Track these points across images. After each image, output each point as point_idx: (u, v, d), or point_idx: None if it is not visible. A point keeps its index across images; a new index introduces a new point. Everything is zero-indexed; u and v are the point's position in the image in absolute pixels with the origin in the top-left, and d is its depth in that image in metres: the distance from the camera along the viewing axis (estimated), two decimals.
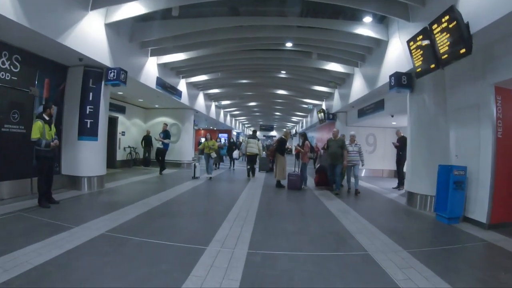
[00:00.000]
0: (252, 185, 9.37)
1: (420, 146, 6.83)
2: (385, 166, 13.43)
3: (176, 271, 2.99)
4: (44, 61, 6.85)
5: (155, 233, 4.14)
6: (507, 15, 3.93)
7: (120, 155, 13.05)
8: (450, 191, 5.51)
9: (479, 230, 4.88)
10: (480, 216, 5.19)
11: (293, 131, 32.05)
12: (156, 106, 14.29)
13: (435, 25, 5.28)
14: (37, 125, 5.37)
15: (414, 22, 6.55)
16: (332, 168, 8.47)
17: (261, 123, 35.11)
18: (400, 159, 9.69)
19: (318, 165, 9.93)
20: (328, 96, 15.39)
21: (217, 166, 14.25)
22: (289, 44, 9.18)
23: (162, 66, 10.39)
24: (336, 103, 13.94)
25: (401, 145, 9.64)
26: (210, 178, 10.33)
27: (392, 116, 9.87)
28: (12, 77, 6.02)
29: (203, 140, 13.03)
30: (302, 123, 27.52)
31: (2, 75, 5.79)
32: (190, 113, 14.87)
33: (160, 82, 10.16)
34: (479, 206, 5.28)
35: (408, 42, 6.21)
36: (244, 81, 13.95)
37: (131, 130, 13.90)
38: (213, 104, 18.74)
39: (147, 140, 13.56)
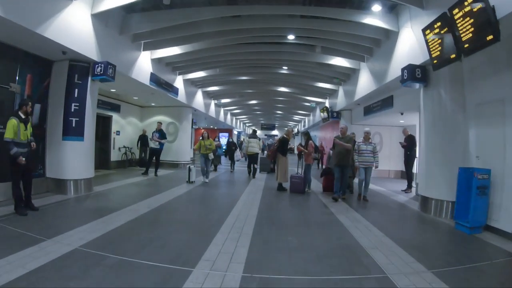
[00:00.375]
0: (252, 188, 8.74)
1: (435, 146, 6.21)
2: (391, 167, 12.81)
3: None
4: (25, 55, 6.30)
5: (136, 249, 3.55)
6: None
7: (115, 156, 12.48)
8: (472, 197, 4.92)
9: (505, 242, 4.31)
10: (505, 225, 4.60)
11: (295, 130, 31.37)
12: (153, 104, 13.71)
13: (456, 10, 4.66)
14: (11, 123, 4.80)
15: (428, 9, 5.94)
16: (339, 170, 7.33)
17: (262, 122, 34.47)
18: (408, 160, 9.10)
19: (325, 167, 9.02)
20: (331, 94, 14.77)
21: (215, 168, 13.40)
22: (291, 37, 8.57)
23: (157, 62, 9.80)
24: (340, 101, 13.32)
25: (408, 145, 9.05)
26: (206, 182, 9.33)
27: (402, 113, 9.25)
28: None
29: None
30: (304, 122, 26.90)
31: None
32: (188, 112, 14.28)
33: (154, 78, 9.58)
34: (504, 213, 4.69)
35: (424, 30, 5.60)
36: (244, 77, 13.33)
37: (126, 129, 13.33)
38: (213, 102, 18.16)
39: (143, 139, 12.95)
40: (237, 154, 13.45)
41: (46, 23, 5.45)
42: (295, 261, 3.38)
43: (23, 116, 5.05)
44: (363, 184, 7.33)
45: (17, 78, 6.10)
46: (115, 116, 12.40)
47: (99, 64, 6.84)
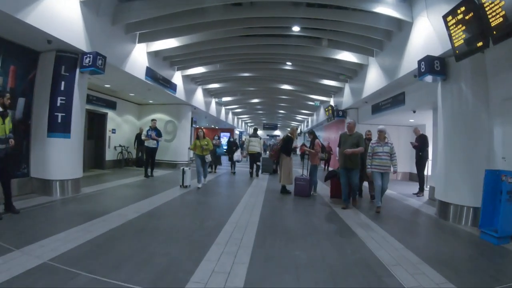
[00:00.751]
0: (253, 190, 8.13)
1: (455, 146, 5.63)
2: (399, 168, 12.12)
3: None
4: (8, 45, 5.80)
5: (114, 265, 3.00)
6: None
7: (110, 155, 11.95)
8: (502, 204, 4.36)
9: None
10: None
11: (298, 130, 30.75)
12: (150, 101, 13.17)
13: None
14: None
15: None
16: (345, 174, 6.34)
17: (264, 121, 33.85)
18: (420, 161, 8.49)
19: (331, 169, 8.18)
20: (337, 92, 14.17)
21: (214, 169, 12.61)
22: (296, 28, 8.00)
23: (153, 55, 9.25)
24: (346, 99, 12.72)
25: (420, 145, 8.44)
26: (199, 187, 8.08)
27: (414, 111, 8.63)
28: None
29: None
30: (308, 121, 26.30)
31: None
32: (187, 109, 13.72)
33: (150, 73, 9.03)
34: None
35: (445, 17, 5.03)
36: (246, 74, 12.75)
37: (122, 127, 12.78)
38: (213, 101, 17.60)
39: (140, 138, 12.36)
40: (238, 154, 12.57)
41: (29, 8, 4.95)
42: (306, 283, 2.80)
43: (0, 109, 4.54)
44: (380, 192, 6.16)
45: None
46: (110, 114, 11.86)
47: (88, 55, 6.31)
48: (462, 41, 4.83)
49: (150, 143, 9.76)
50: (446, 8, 5.03)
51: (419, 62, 5.92)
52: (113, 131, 12.08)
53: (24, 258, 3.07)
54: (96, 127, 11.40)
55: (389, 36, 7.81)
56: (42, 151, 6.31)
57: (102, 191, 7.09)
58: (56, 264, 2.98)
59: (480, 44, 4.53)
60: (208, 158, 8.17)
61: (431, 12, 5.99)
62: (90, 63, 6.27)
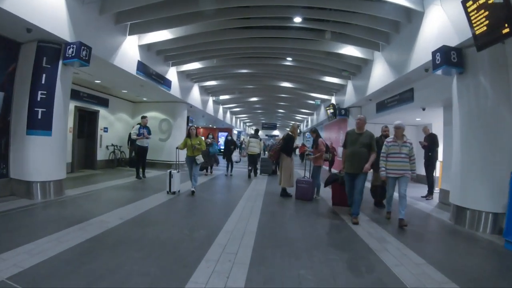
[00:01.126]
0: (251, 194, 7.53)
1: (473, 146, 5.12)
2: None
3: None
4: None
5: None
6: None
7: (102, 154, 11.38)
8: None
9: None
10: None
11: (299, 128, 30.21)
12: (144, 99, 12.61)
13: None
14: None
15: None
16: (350, 180, 5.29)
17: (263, 121, 33.28)
18: (430, 162, 7.98)
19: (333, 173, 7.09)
20: (339, 90, 13.66)
21: (210, 170, 11.57)
22: (297, 20, 7.47)
23: (145, 49, 8.70)
24: (348, 97, 12.21)
25: (430, 145, 7.94)
26: (193, 192, 7.04)
27: (424, 109, 8.11)
28: None
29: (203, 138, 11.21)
30: (307, 121, 25.79)
31: None
32: (183, 107, 13.15)
33: (142, 68, 8.47)
34: None
35: (465, 2, 4.54)
36: (244, 70, 12.20)
37: (115, 126, 12.21)
38: (211, 99, 17.05)
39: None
40: (236, 155, 11.86)
41: None
42: None
43: None
44: (398, 201, 5.04)
45: None
46: (102, 111, 11.29)
47: (71, 45, 5.77)
48: (484, 28, 4.33)
49: (143, 142, 9.20)
50: None
51: (434, 53, 5.42)
52: (105, 129, 11.51)
53: None
54: (87, 125, 10.84)
55: (396, 28, 7.32)
56: (21, 150, 5.78)
57: (87, 193, 6.53)
58: (14, 284, 2.48)
59: (506, 31, 4.03)
60: (200, 159, 7.07)
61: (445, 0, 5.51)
62: (73, 54, 5.73)
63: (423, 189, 8.20)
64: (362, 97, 10.56)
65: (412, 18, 6.68)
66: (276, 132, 39.40)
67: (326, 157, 7.10)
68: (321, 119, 18.39)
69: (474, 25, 4.50)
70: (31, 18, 5.00)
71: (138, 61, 8.31)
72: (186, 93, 12.69)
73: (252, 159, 11.12)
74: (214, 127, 27.40)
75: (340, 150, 13.88)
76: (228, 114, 23.82)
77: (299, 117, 26.83)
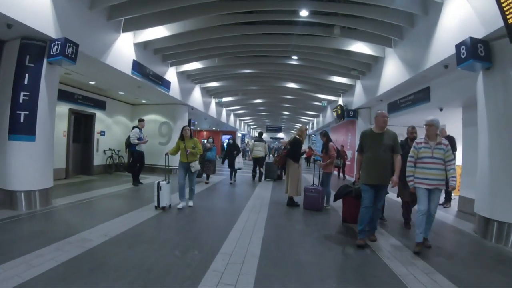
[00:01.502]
0: (254, 203, 6.87)
1: (502, 151, 4.52)
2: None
3: None
4: None
5: None
6: None
7: (99, 159, 10.90)
8: None
9: None
10: None
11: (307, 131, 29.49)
12: (143, 101, 12.13)
13: None
14: None
15: None
16: (372, 193, 4.15)
17: (268, 123, 32.69)
18: None
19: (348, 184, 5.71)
20: (346, 90, 13.05)
21: (207, 178, 10.22)
22: (304, 13, 6.91)
23: (142, 47, 8.20)
24: (357, 98, 11.58)
25: None
26: (179, 209, 5.91)
27: (441, 109, 7.49)
28: None
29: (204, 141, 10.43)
30: (313, 123, 25.14)
31: None
32: (183, 110, 12.63)
33: (138, 68, 7.96)
34: None
35: None
36: (247, 70, 11.65)
37: (113, 129, 11.72)
38: (213, 101, 16.53)
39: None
40: (239, 161, 10.88)
41: None
42: None
43: None
44: (424, 220, 3.90)
45: None
46: (99, 114, 10.83)
47: (56, 42, 5.28)
48: None
49: (142, 147, 8.75)
50: None
51: (458, 46, 4.83)
52: (102, 133, 11.05)
53: None
54: (83, 129, 10.38)
55: (411, 21, 6.73)
56: (3, 157, 5.28)
57: (76, 203, 6.00)
58: None
59: None
60: (196, 166, 6.07)
61: None
62: (58, 52, 5.24)
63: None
64: (372, 97, 9.95)
65: (429, 10, 6.09)
66: (281, 135, 38.82)
67: (337, 164, 6.43)
68: (327, 121, 17.78)
69: (507, 12, 3.91)
70: (11, 12, 4.54)
71: (134, 60, 7.81)
72: (187, 94, 12.18)
73: (258, 163, 10.97)
74: (218, 130, 26.93)
75: (349, 154, 13.40)
76: (231, 117, 23.30)
77: (304, 119, 26.20)
